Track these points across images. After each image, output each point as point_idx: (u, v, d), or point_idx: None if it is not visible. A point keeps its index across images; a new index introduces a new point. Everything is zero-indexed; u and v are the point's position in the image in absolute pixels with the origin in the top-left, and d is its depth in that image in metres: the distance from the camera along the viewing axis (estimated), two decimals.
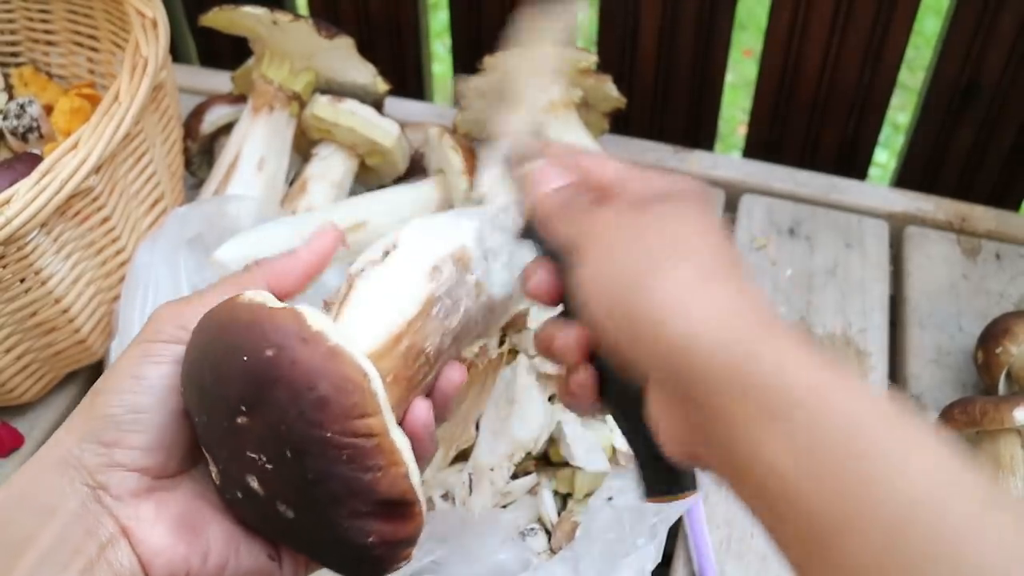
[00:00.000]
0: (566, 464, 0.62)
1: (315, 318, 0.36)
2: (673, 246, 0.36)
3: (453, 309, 0.43)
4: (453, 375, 0.43)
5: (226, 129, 0.87)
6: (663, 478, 0.40)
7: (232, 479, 0.38)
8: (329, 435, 0.35)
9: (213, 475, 0.39)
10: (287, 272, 0.42)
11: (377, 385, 0.36)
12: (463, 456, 0.63)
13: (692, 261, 0.35)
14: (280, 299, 0.38)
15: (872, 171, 0.99)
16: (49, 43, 0.85)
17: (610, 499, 0.57)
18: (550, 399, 0.63)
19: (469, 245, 0.44)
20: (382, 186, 0.83)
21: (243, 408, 0.36)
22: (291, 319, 0.35)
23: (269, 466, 0.36)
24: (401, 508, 0.37)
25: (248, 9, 0.78)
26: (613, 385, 0.40)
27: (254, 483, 0.37)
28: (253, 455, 0.37)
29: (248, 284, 0.41)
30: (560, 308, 0.42)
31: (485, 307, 0.44)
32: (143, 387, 0.38)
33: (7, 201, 0.58)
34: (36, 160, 0.67)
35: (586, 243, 0.38)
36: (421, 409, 0.41)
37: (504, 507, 0.62)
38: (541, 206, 0.41)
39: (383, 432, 0.36)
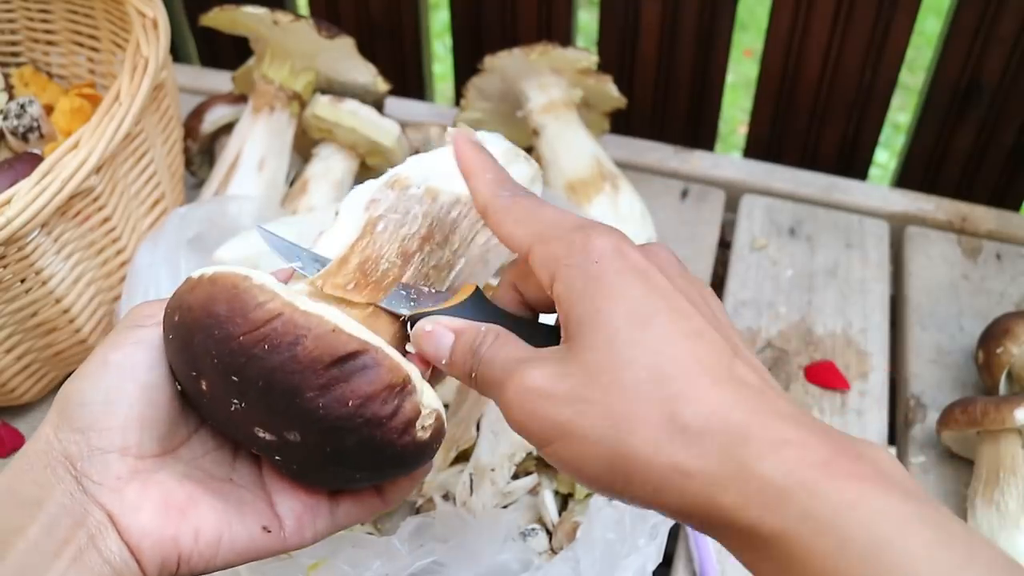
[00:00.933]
0: None
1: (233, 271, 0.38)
2: (641, 386, 0.34)
3: (405, 219, 0.43)
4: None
5: (226, 129, 0.87)
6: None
7: (241, 428, 0.40)
8: (242, 338, 0.36)
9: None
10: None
11: (261, 278, 0.37)
12: (464, 456, 0.63)
13: (655, 415, 0.33)
14: None
15: (872, 171, 0.99)
16: (49, 43, 0.85)
17: (611, 500, 0.57)
18: None
19: (402, 170, 0.44)
20: None
21: (200, 372, 0.38)
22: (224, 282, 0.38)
23: (243, 405, 0.38)
24: (353, 359, 0.36)
25: (249, 9, 0.78)
26: None
27: (263, 433, 0.39)
28: (235, 400, 0.38)
29: None
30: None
31: (450, 204, 0.44)
32: (111, 371, 0.39)
33: (8, 201, 0.57)
34: (36, 160, 0.67)
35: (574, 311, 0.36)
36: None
37: (505, 507, 0.62)
38: (484, 194, 0.41)
39: (285, 307, 0.36)
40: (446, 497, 0.62)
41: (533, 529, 0.61)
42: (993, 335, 0.70)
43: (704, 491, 0.32)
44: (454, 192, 0.44)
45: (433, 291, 0.43)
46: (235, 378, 0.37)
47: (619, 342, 0.34)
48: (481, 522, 0.57)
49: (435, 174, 0.44)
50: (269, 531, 0.41)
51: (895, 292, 0.83)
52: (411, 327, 0.41)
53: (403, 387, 0.37)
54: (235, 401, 0.38)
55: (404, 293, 0.42)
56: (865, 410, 0.72)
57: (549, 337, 0.40)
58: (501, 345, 0.38)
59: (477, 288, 0.42)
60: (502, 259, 0.46)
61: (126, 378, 0.39)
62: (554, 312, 0.40)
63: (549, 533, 0.61)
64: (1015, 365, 0.68)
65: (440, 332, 0.40)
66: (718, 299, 0.38)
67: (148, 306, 0.41)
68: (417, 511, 0.63)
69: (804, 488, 0.30)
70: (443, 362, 0.40)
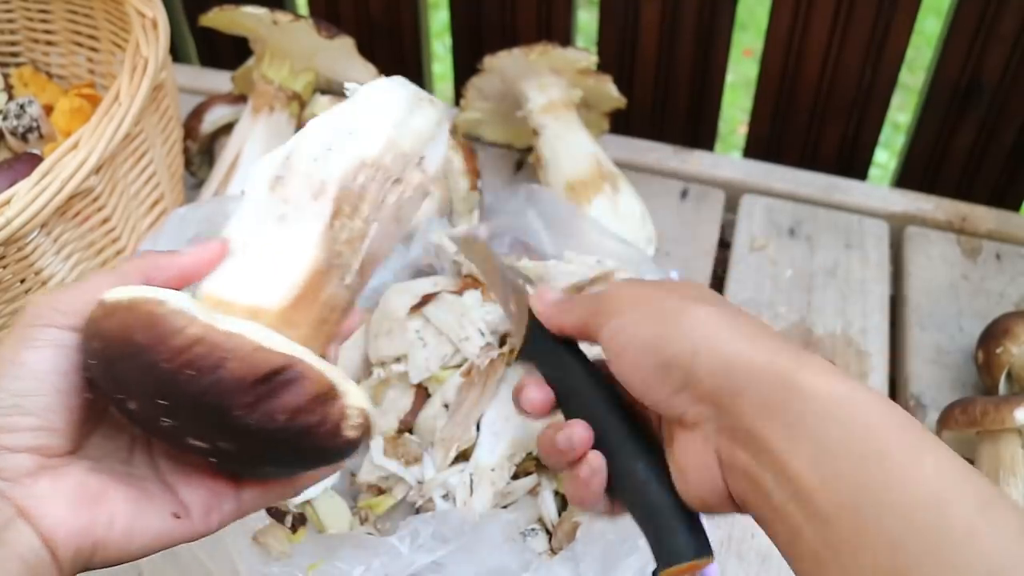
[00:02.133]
0: None
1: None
2: (693, 295, 0.42)
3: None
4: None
5: (226, 129, 0.87)
6: (684, 541, 0.41)
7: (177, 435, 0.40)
8: (165, 366, 0.36)
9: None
10: (164, 269, 0.42)
11: (177, 303, 0.37)
12: (464, 457, 0.63)
13: (714, 304, 0.40)
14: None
15: (872, 171, 0.99)
16: (49, 43, 0.85)
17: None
18: None
19: (295, 146, 0.44)
20: None
21: (127, 395, 0.39)
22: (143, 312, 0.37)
23: (174, 422, 0.39)
24: (279, 375, 0.37)
25: (248, 9, 0.78)
26: (629, 460, 0.42)
27: (196, 442, 0.39)
28: (165, 418, 0.39)
29: (125, 275, 0.41)
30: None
31: (355, 170, 0.43)
32: (23, 372, 0.38)
33: (7, 201, 0.57)
34: (36, 160, 0.67)
35: (608, 307, 0.43)
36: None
37: (505, 507, 0.62)
38: (546, 311, 0.47)
39: (205, 330, 0.36)
40: (446, 497, 0.62)
41: (533, 529, 0.61)
42: (993, 335, 0.70)
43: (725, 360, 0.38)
44: (356, 156, 0.43)
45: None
46: (163, 401, 0.38)
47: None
48: (481, 522, 0.57)
49: (332, 142, 0.43)
50: (179, 517, 0.41)
51: (895, 292, 0.83)
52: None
53: (327, 394, 0.38)
54: (165, 419, 0.39)
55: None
56: None
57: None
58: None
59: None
60: (415, 211, 0.45)
61: (40, 381, 0.38)
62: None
63: (549, 533, 0.61)
64: (1015, 365, 0.68)
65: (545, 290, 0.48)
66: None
67: (54, 300, 0.40)
68: (417, 511, 0.63)
69: (797, 368, 0.37)
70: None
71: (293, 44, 0.80)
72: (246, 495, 0.43)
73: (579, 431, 0.42)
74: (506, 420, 0.62)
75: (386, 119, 0.43)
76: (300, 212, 0.42)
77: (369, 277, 0.44)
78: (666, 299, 0.41)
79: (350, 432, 0.38)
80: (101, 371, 0.39)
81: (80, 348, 0.39)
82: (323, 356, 0.42)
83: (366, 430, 0.39)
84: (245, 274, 0.42)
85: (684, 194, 0.89)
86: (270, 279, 0.41)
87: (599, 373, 0.45)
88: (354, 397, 0.39)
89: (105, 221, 0.66)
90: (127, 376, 0.38)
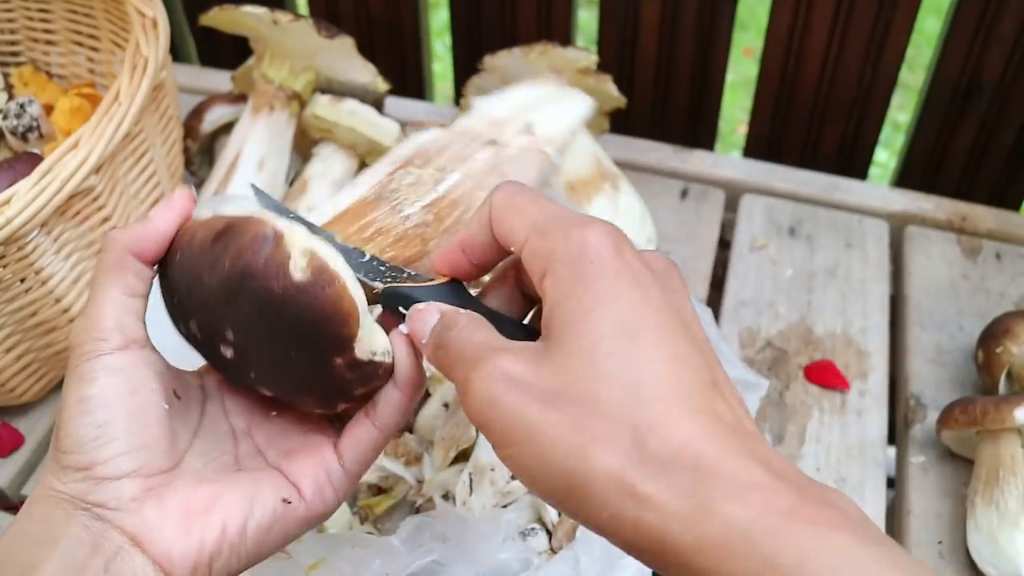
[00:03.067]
0: None
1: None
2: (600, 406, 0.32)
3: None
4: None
5: (226, 129, 0.87)
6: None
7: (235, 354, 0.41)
8: (169, 255, 0.41)
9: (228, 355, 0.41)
10: (146, 239, 0.41)
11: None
12: (463, 456, 0.63)
13: (620, 440, 0.31)
14: (148, 263, 0.41)
15: (872, 171, 0.99)
16: (49, 43, 0.85)
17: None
18: None
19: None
20: None
21: (188, 315, 0.41)
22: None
23: (196, 325, 0.41)
24: (228, 231, 0.39)
25: (248, 9, 0.78)
26: None
27: (225, 350, 0.41)
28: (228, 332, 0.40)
29: (117, 268, 0.40)
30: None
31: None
32: (92, 406, 0.38)
33: (7, 201, 0.57)
34: (36, 160, 0.67)
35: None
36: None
37: (505, 507, 0.62)
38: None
39: (202, 220, 0.40)
40: (446, 497, 0.62)
41: (533, 529, 0.61)
42: (993, 335, 0.70)
43: (661, 527, 0.30)
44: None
45: (407, 272, 0.43)
46: (176, 298, 0.41)
47: (601, 352, 0.32)
48: (481, 522, 0.57)
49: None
50: (289, 502, 0.41)
51: (895, 292, 0.83)
52: (382, 303, 0.41)
53: (268, 237, 0.38)
54: (192, 324, 0.41)
55: (378, 266, 0.42)
56: (865, 410, 0.72)
57: (528, 338, 0.39)
58: (475, 328, 0.37)
59: (455, 279, 0.42)
60: (527, 170, 0.44)
61: (113, 409, 0.38)
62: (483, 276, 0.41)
63: (549, 533, 0.61)
64: (1015, 365, 0.68)
65: (430, 310, 0.39)
66: (701, 325, 0.37)
67: (90, 330, 0.39)
68: (417, 511, 0.63)
69: (769, 534, 0.29)
70: (423, 341, 0.39)
71: (293, 44, 0.80)
72: (346, 454, 0.42)
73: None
74: None
75: (485, 98, 0.45)
76: (370, 174, 0.44)
77: (460, 224, 0.43)
78: (565, 432, 0.32)
79: (298, 275, 0.37)
80: (171, 301, 0.42)
81: (142, 359, 0.40)
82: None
83: (320, 272, 0.38)
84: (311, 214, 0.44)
85: (684, 194, 0.90)
86: (323, 209, 0.43)
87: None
88: (301, 240, 0.38)
89: (105, 220, 0.66)
90: (186, 287, 0.41)
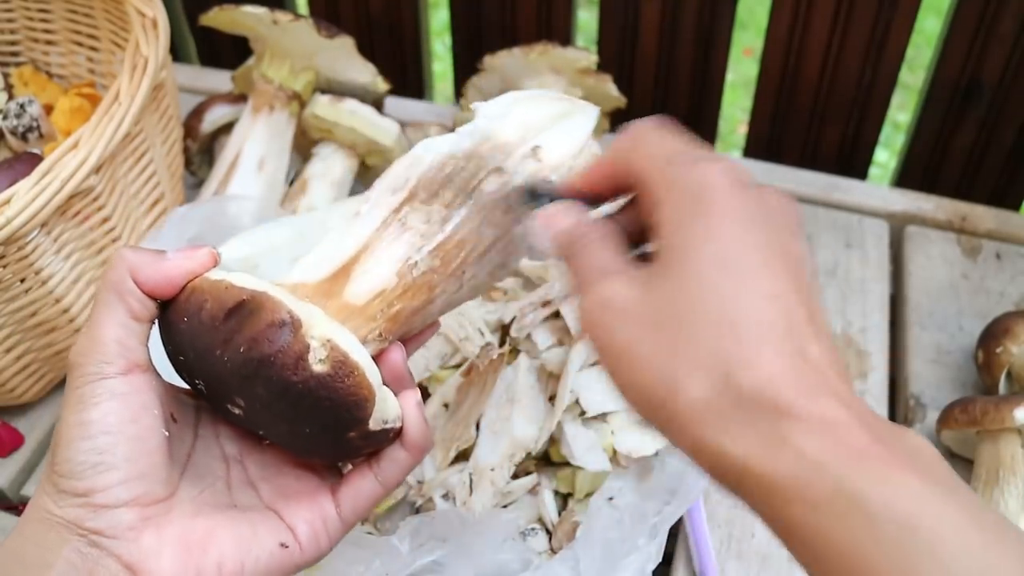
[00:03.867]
0: (566, 464, 0.62)
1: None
2: (702, 341, 0.33)
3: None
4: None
5: (226, 129, 0.87)
6: None
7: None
8: (171, 315, 0.40)
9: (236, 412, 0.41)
10: (154, 273, 0.40)
11: (216, 274, 0.39)
12: (463, 456, 0.63)
13: (708, 372, 0.32)
14: (152, 297, 0.40)
15: (872, 171, 0.99)
16: (49, 43, 0.85)
17: (611, 499, 0.57)
18: (550, 399, 0.63)
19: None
20: None
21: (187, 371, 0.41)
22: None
23: (202, 384, 0.41)
24: (241, 308, 0.38)
25: (248, 9, 0.78)
26: None
27: (233, 408, 0.41)
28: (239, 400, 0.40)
29: (119, 288, 0.39)
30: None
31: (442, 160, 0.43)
32: (94, 431, 0.38)
33: (7, 201, 0.57)
34: (36, 160, 0.67)
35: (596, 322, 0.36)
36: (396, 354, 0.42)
37: (505, 507, 0.62)
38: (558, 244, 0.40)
39: (203, 282, 0.39)
40: (446, 497, 0.62)
41: (533, 529, 0.61)
42: (993, 335, 0.70)
43: (740, 456, 0.31)
44: (445, 150, 0.42)
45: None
46: (182, 358, 0.40)
47: (705, 285, 0.34)
48: (481, 522, 0.57)
49: (430, 144, 0.43)
50: (287, 546, 0.41)
51: (895, 292, 0.83)
52: (525, 195, 0.41)
53: (285, 324, 0.37)
54: (198, 382, 0.41)
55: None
56: None
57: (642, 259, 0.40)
58: (602, 245, 0.38)
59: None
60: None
61: (115, 436, 0.38)
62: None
63: (549, 533, 0.61)
64: (1015, 365, 0.68)
65: (566, 212, 0.39)
66: (813, 265, 0.37)
67: (93, 353, 0.39)
68: (417, 511, 0.63)
69: (838, 468, 0.30)
70: (551, 234, 0.39)
71: (293, 44, 0.80)
72: (344, 503, 0.42)
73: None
74: (506, 420, 0.62)
75: (483, 114, 0.43)
76: (374, 206, 0.43)
77: (466, 265, 0.43)
78: (663, 355, 0.34)
79: (317, 366, 0.37)
80: (170, 351, 0.41)
81: (145, 384, 0.39)
82: (383, 338, 0.41)
83: (341, 364, 0.37)
84: (305, 261, 0.42)
85: None
86: (320, 259, 0.42)
87: None
88: (322, 329, 0.38)
89: (105, 220, 0.66)
90: (185, 349, 0.40)
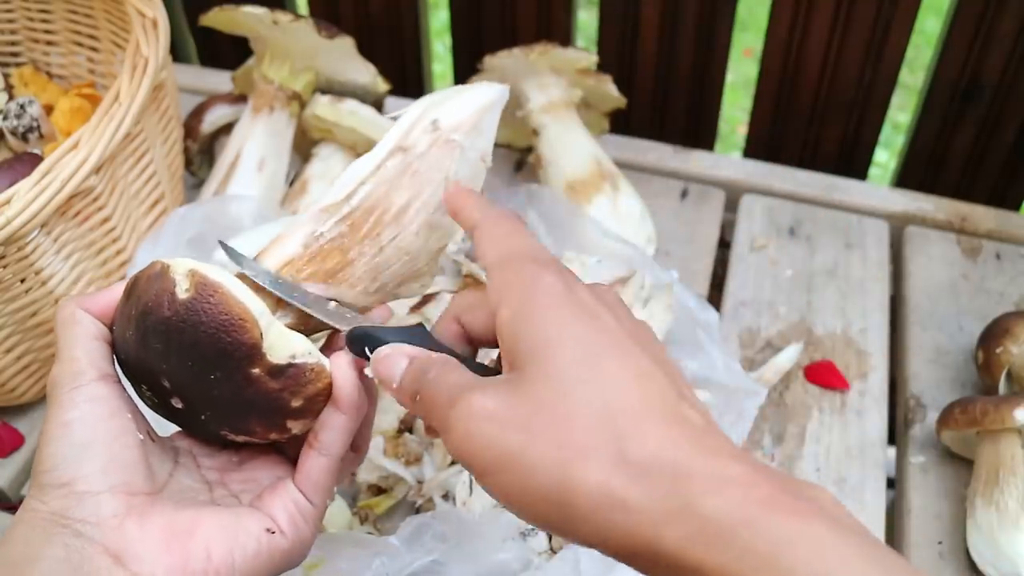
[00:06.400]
0: None
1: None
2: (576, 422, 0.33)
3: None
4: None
5: (226, 129, 0.87)
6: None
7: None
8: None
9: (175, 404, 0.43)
10: (93, 301, 0.43)
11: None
12: None
13: (604, 450, 0.33)
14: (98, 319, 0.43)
15: (872, 171, 0.99)
16: (49, 43, 0.85)
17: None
18: None
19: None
20: None
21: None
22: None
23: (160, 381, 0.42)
24: (138, 279, 0.41)
25: (248, 9, 0.78)
26: None
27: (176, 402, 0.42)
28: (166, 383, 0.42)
29: (73, 319, 0.42)
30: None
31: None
32: (75, 429, 0.39)
33: (7, 201, 0.57)
34: (36, 160, 0.67)
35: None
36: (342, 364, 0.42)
37: None
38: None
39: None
40: (446, 497, 0.62)
41: (533, 529, 0.61)
42: (993, 335, 0.70)
43: (649, 529, 0.31)
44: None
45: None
46: (125, 367, 0.43)
47: (568, 378, 0.34)
48: (481, 522, 0.57)
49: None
50: (273, 532, 0.41)
51: (895, 292, 0.83)
52: (348, 344, 0.42)
53: (156, 273, 0.40)
54: (144, 387, 0.43)
55: (341, 311, 0.44)
56: (865, 410, 0.72)
57: (486, 374, 0.40)
58: (450, 370, 0.38)
59: (420, 323, 0.44)
60: (443, 165, 0.45)
61: (93, 430, 0.39)
62: (494, 348, 0.41)
63: (549, 533, 0.61)
64: (1015, 365, 0.68)
65: (396, 356, 0.40)
66: (660, 342, 0.39)
67: (68, 369, 0.41)
68: (417, 511, 0.63)
69: (746, 525, 0.30)
70: (393, 386, 0.40)
71: (293, 44, 0.80)
72: (304, 486, 0.43)
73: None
74: None
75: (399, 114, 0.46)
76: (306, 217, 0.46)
77: (380, 227, 0.44)
78: (550, 444, 0.33)
79: (183, 295, 0.39)
80: (123, 368, 0.43)
81: (117, 392, 0.41)
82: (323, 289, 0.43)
83: (202, 287, 0.39)
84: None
85: (684, 194, 0.90)
86: (242, 247, 0.46)
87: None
88: (184, 265, 0.40)
89: (105, 221, 0.66)
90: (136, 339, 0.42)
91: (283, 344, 0.40)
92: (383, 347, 0.41)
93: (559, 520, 0.34)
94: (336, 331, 0.44)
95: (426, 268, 0.47)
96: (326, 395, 0.42)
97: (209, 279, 0.39)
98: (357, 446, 0.47)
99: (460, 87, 0.46)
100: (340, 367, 0.42)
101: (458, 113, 0.44)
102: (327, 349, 0.44)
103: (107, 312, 0.43)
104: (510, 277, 0.38)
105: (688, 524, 0.31)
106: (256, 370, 0.40)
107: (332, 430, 0.42)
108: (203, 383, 0.40)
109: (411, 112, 0.45)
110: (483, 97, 0.45)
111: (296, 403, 0.41)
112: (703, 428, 0.34)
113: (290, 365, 0.40)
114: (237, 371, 0.40)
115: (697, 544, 0.31)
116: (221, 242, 0.46)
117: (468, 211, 0.42)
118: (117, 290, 0.43)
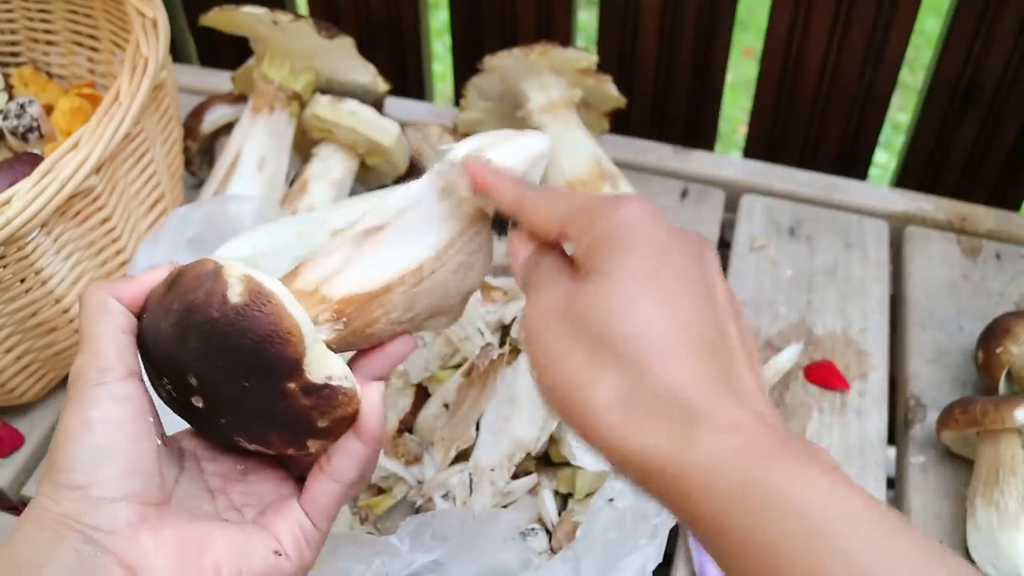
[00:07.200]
0: (567, 464, 0.62)
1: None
2: (610, 343, 0.35)
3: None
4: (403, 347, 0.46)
5: (226, 129, 0.87)
6: None
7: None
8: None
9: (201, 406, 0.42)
10: (125, 288, 0.43)
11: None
12: (463, 456, 0.63)
13: (622, 375, 0.35)
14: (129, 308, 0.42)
15: (872, 171, 0.99)
16: (49, 43, 0.85)
17: (611, 499, 0.57)
18: None
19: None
20: (382, 186, 0.83)
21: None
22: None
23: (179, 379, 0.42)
24: (179, 276, 0.41)
25: (248, 9, 0.78)
26: None
27: (197, 402, 0.42)
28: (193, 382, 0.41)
29: (103, 308, 0.41)
30: None
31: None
32: (96, 429, 0.38)
33: (7, 201, 0.57)
34: (36, 160, 0.67)
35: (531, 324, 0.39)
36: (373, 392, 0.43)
37: (505, 507, 0.62)
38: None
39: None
40: (446, 497, 0.62)
41: (533, 529, 0.61)
42: (993, 335, 0.70)
43: (653, 454, 0.33)
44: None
45: None
46: (148, 359, 0.42)
47: (624, 296, 0.36)
48: (481, 522, 0.57)
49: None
50: (280, 554, 0.41)
51: (895, 292, 0.83)
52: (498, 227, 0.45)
53: (208, 271, 0.40)
54: (165, 381, 0.42)
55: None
56: (865, 410, 0.72)
57: None
58: (551, 266, 0.40)
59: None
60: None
61: (114, 432, 0.39)
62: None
63: (549, 533, 0.61)
64: (1015, 365, 0.68)
65: (522, 243, 0.42)
66: (732, 294, 0.39)
67: (94, 361, 0.40)
68: (417, 511, 0.63)
69: (748, 465, 0.31)
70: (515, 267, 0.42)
71: (293, 44, 0.80)
72: (310, 509, 0.43)
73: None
74: (506, 420, 0.62)
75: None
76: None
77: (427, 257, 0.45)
78: (577, 356, 0.36)
79: (236, 299, 0.39)
80: (145, 361, 0.42)
81: (142, 391, 0.41)
82: (337, 319, 0.43)
83: (256, 294, 0.39)
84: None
85: (684, 194, 0.90)
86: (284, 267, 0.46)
87: None
88: (238, 269, 0.40)
89: (105, 221, 0.66)
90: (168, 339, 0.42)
91: (323, 364, 0.40)
92: (517, 235, 0.43)
93: (576, 423, 0.36)
94: (361, 356, 0.45)
95: (457, 307, 0.47)
96: (351, 421, 0.42)
97: (264, 287, 0.39)
98: (363, 475, 0.47)
99: (510, 131, 0.46)
100: (370, 399, 0.42)
101: (510, 158, 0.45)
102: (357, 374, 0.44)
103: (137, 301, 0.42)
104: (595, 215, 0.38)
105: (690, 454, 0.32)
106: (292, 384, 0.40)
107: (348, 457, 0.42)
108: (234, 388, 0.40)
109: (461, 149, 0.45)
110: (535, 147, 0.46)
111: (322, 423, 0.41)
112: (728, 377, 0.35)
113: (326, 386, 0.40)
114: (273, 383, 0.40)
115: (697, 472, 0.32)
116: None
117: (503, 189, 0.42)
118: (148, 279, 0.42)
